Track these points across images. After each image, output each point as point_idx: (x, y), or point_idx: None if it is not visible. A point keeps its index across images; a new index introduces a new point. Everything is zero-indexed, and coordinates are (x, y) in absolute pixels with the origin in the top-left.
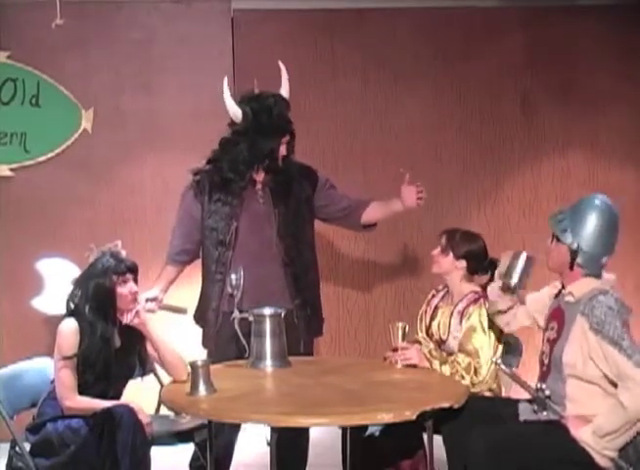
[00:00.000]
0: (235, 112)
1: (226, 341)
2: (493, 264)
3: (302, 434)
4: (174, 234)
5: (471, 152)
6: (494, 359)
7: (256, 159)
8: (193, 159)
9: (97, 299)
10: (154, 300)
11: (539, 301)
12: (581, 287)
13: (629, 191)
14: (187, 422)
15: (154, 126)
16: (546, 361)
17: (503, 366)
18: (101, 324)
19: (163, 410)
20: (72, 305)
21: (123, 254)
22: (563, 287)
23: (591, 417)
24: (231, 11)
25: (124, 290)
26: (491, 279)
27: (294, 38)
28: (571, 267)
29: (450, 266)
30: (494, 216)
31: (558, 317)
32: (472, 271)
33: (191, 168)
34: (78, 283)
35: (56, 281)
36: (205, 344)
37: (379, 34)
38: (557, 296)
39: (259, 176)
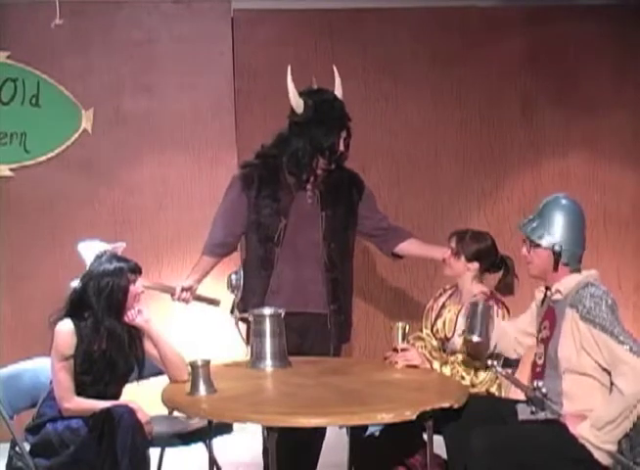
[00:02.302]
0: (297, 102)
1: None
2: (504, 261)
3: (315, 436)
4: (215, 225)
5: (471, 152)
6: (490, 362)
7: (317, 151)
8: (193, 159)
9: (111, 296)
10: (188, 289)
11: (524, 325)
12: (567, 283)
13: (629, 191)
14: (196, 423)
15: (154, 126)
16: (540, 362)
17: (499, 369)
18: (110, 321)
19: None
20: (78, 303)
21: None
22: (547, 289)
23: (588, 413)
24: (231, 11)
25: (134, 289)
26: (503, 276)
27: (294, 38)
28: (556, 268)
29: (463, 268)
30: (494, 216)
31: (549, 317)
32: (484, 270)
33: (241, 161)
34: (87, 281)
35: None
36: (248, 340)
37: (379, 35)
38: (543, 300)
39: (319, 171)
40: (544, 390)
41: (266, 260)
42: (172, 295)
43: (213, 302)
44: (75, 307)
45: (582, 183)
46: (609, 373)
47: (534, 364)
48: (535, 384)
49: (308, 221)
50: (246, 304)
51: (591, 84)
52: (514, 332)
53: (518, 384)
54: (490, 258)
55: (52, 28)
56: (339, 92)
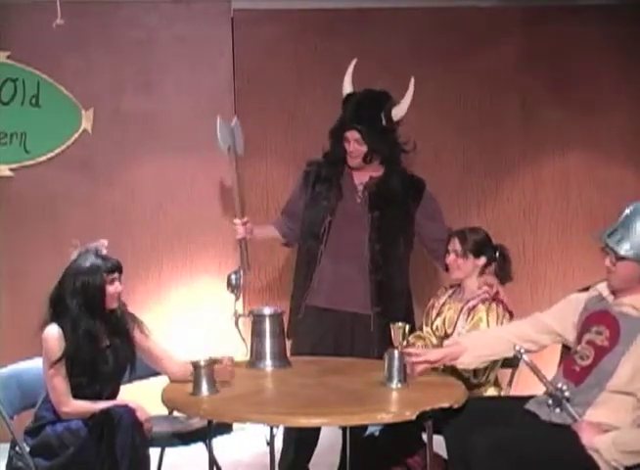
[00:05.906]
0: (343, 95)
1: (305, 334)
2: (500, 250)
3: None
4: (281, 213)
5: (471, 152)
6: (517, 348)
7: (330, 146)
8: (193, 159)
9: (86, 296)
10: (247, 227)
11: (564, 319)
12: None
13: (629, 191)
14: (196, 423)
15: (154, 126)
16: (584, 363)
17: (525, 357)
18: (86, 321)
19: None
20: (57, 302)
21: (104, 253)
22: (614, 294)
23: (606, 426)
24: (231, 11)
25: (111, 288)
26: (501, 265)
27: (294, 38)
28: None
29: (472, 267)
30: (494, 216)
31: (609, 324)
32: (486, 264)
33: (307, 160)
34: (64, 279)
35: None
36: (288, 334)
37: (379, 35)
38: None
39: (350, 171)
40: (567, 394)
41: (310, 256)
42: (236, 217)
43: (246, 262)
44: (55, 307)
45: (582, 183)
46: None
47: (572, 361)
48: (560, 385)
49: (354, 221)
50: (293, 298)
51: (591, 84)
52: (521, 331)
53: (541, 376)
54: (491, 248)
55: (52, 28)
56: (406, 101)
